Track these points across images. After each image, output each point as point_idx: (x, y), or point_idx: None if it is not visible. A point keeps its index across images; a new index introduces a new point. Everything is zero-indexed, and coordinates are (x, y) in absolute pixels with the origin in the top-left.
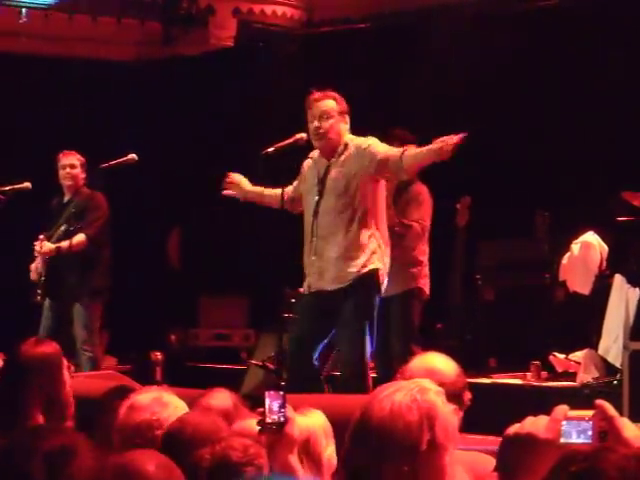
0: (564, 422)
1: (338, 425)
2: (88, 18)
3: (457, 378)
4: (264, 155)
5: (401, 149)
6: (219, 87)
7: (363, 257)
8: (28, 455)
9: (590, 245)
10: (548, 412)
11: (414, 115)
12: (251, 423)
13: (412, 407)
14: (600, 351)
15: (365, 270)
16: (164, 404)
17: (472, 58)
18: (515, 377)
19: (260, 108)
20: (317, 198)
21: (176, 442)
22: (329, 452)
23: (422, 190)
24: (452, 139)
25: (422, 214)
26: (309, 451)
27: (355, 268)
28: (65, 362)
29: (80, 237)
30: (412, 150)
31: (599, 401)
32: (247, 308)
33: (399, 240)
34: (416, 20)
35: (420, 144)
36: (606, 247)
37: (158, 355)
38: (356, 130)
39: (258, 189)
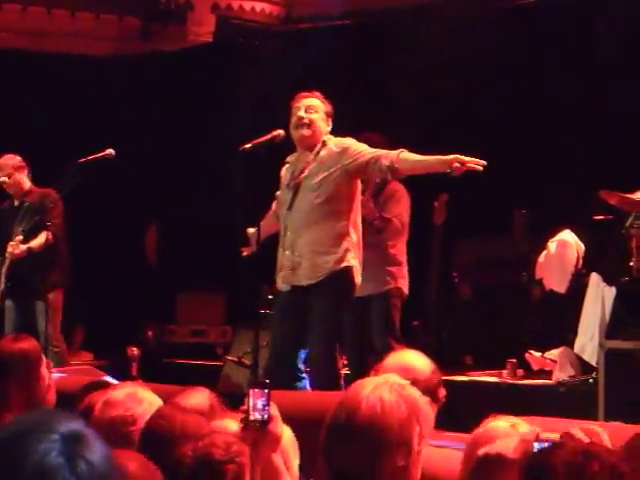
0: (535, 443)
1: (312, 422)
2: (66, 13)
3: (432, 375)
4: (242, 151)
5: (397, 150)
6: (197, 83)
7: (337, 253)
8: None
9: (567, 243)
10: (524, 410)
11: (393, 113)
12: (229, 422)
13: (400, 403)
14: (576, 349)
15: (339, 267)
16: (138, 400)
17: (453, 55)
18: (491, 375)
19: (238, 104)
20: (292, 193)
21: (156, 437)
22: (295, 465)
23: (399, 187)
24: (471, 161)
25: (401, 210)
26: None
27: (329, 264)
28: (44, 359)
29: (44, 234)
30: (410, 154)
31: (570, 430)
32: (224, 304)
33: (378, 235)
34: (396, 18)
35: (392, 146)
36: (582, 246)
37: (134, 351)
38: (335, 129)
39: (263, 229)
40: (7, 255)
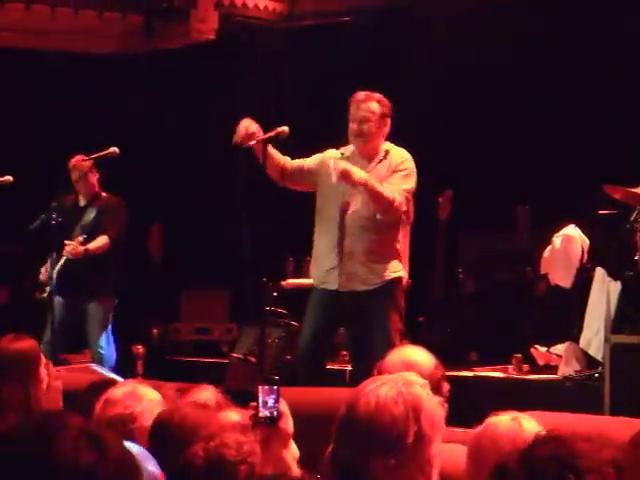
0: None
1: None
2: (70, 11)
3: (435, 370)
4: (245, 148)
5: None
6: (201, 80)
7: (391, 262)
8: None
9: (571, 238)
10: (530, 405)
11: (394, 110)
12: (231, 414)
13: (397, 400)
14: (581, 344)
15: (393, 276)
16: (138, 397)
17: (454, 51)
18: (497, 370)
19: (242, 101)
20: (348, 198)
21: (165, 432)
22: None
23: None
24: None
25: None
26: None
27: (383, 272)
28: (43, 359)
29: (103, 239)
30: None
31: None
32: (228, 302)
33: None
34: (397, 15)
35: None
36: (587, 240)
37: (140, 349)
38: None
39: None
40: (64, 253)
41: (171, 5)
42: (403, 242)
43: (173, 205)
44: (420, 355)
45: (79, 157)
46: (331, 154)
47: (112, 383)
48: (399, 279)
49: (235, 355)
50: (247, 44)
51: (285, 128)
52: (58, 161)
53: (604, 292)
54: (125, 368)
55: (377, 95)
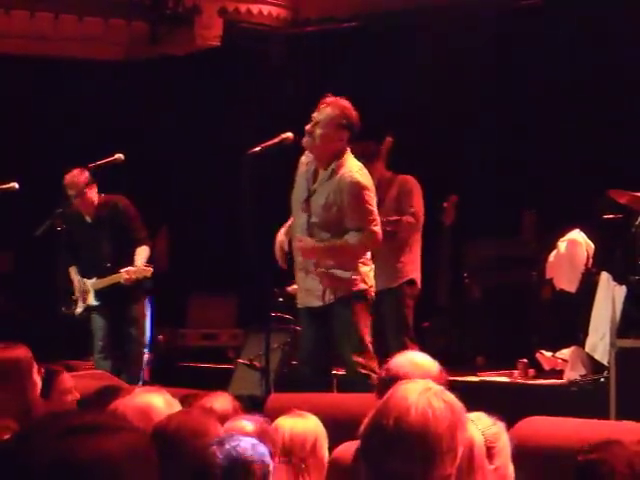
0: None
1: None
2: (74, 18)
3: (440, 374)
4: (250, 155)
5: (357, 238)
6: (205, 87)
7: (348, 277)
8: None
9: (576, 243)
10: (536, 410)
11: (401, 115)
12: (244, 423)
13: (447, 410)
14: (587, 348)
15: (351, 290)
16: (172, 406)
17: (459, 58)
18: (502, 375)
19: (247, 108)
20: (303, 209)
21: (163, 439)
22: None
23: (408, 178)
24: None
25: (414, 202)
26: (316, 453)
27: (338, 287)
28: (35, 365)
29: (145, 252)
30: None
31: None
32: (235, 307)
33: (393, 237)
34: (402, 20)
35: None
36: (592, 245)
37: (146, 355)
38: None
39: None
40: (121, 279)
41: (176, 12)
42: (415, 248)
43: (179, 211)
44: (426, 359)
45: (75, 172)
46: (303, 159)
47: (120, 390)
48: (358, 293)
49: (241, 361)
50: (251, 50)
51: (289, 134)
52: (62, 168)
53: (609, 296)
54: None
55: (344, 103)
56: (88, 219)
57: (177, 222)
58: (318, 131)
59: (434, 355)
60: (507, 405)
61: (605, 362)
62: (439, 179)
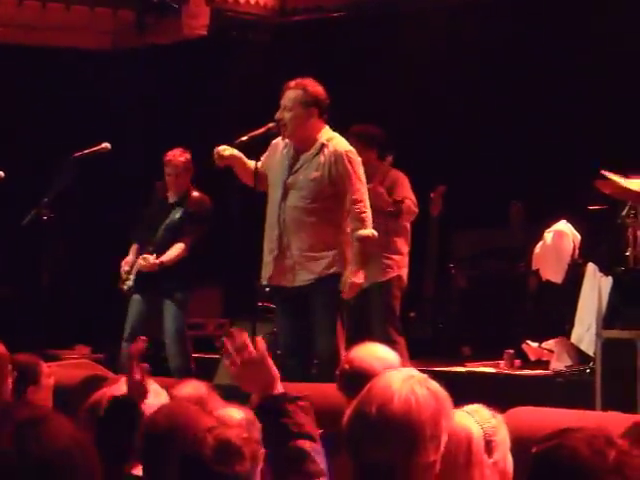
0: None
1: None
2: (61, 6)
3: (403, 365)
4: (238, 143)
5: (363, 217)
6: (192, 76)
7: (329, 257)
8: None
9: (563, 234)
10: (521, 400)
11: (388, 105)
12: (232, 412)
13: (430, 397)
14: (573, 339)
15: (331, 271)
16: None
17: (447, 48)
18: (488, 365)
19: (234, 97)
20: (282, 191)
21: (156, 431)
22: None
23: (399, 174)
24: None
25: (407, 193)
26: None
27: (320, 267)
28: (9, 365)
29: (179, 248)
30: (356, 244)
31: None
32: (221, 297)
33: (394, 220)
34: (390, 9)
35: (388, 139)
36: (579, 236)
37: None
38: (332, 122)
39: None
40: (139, 268)
41: (163, 1)
42: (405, 239)
43: None
44: (386, 351)
45: (176, 151)
46: (277, 145)
47: (105, 379)
48: (336, 275)
49: None
50: (239, 40)
51: (275, 124)
52: (47, 157)
53: (595, 287)
54: (117, 364)
55: (306, 82)
56: (171, 198)
57: None
58: (287, 115)
59: (420, 345)
60: (493, 395)
61: (591, 353)
62: (426, 169)
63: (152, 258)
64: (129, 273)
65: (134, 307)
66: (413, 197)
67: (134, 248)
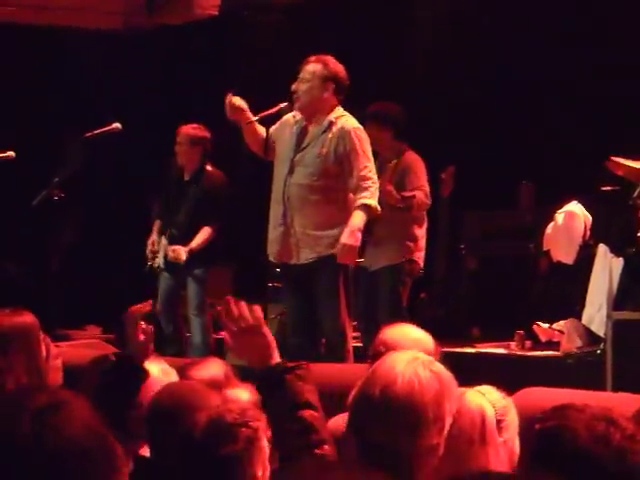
0: None
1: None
2: None
3: (436, 347)
4: (249, 123)
5: (362, 199)
6: (203, 56)
7: (331, 237)
8: (14, 413)
9: (574, 215)
10: (532, 381)
11: (403, 83)
12: (241, 392)
13: (434, 379)
14: (584, 320)
15: (333, 251)
16: (168, 374)
17: (458, 19)
18: (499, 346)
19: (245, 77)
20: (289, 168)
21: (162, 410)
22: None
23: (413, 157)
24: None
25: (421, 182)
26: None
27: (322, 246)
28: (41, 334)
29: (206, 232)
30: (359, 212)
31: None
32: (231, 278)
33: (404, 213)
34: None
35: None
36: (590, 217)
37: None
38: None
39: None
40: (168, 257)
41: None
42: (419, 225)
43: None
44: (421, 333)
45: (188, 127)
46: (289, 119)
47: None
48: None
49: None
50: (250, 20)
51: (286, 103)
52: (57, 137)
53: (606, 269)
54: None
55: (327, 58)
56: (186, 176)
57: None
58: (302, 86)
59: (430, 326)
60: (503, 376)
61: (601, 334)
62: (437, 150)
63: (183, 251)
64: (155, 252)
65: (163, 283)
66: (426, 186)
67: (157, 225)
